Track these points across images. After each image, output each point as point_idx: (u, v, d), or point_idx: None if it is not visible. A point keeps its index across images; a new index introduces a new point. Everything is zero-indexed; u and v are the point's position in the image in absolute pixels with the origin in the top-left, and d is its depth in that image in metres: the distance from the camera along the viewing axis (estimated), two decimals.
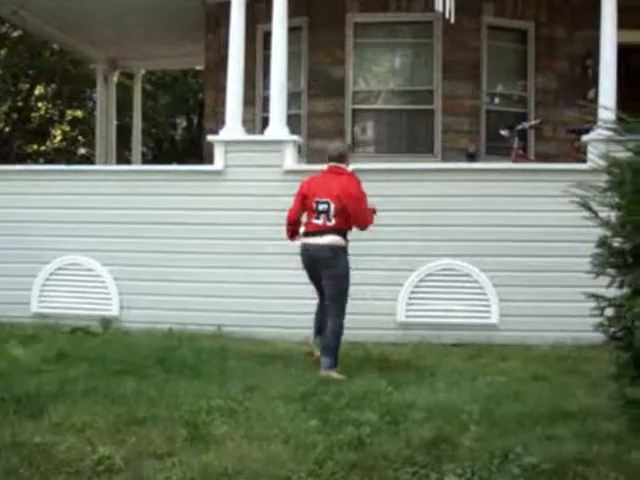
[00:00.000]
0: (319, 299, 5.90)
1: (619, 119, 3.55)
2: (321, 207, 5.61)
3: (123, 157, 15.10)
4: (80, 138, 19.44)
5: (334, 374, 5.42)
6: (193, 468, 3.72)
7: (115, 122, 13.35)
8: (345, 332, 6.44)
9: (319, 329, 5.83)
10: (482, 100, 8.82)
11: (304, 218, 5.83)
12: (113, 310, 7.30)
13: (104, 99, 12.95)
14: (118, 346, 6.28)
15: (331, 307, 5.64)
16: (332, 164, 5.79)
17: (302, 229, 5.81)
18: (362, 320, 6.29)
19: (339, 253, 5.61)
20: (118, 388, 4.92)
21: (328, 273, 5.63)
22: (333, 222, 5.59)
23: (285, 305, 6.90)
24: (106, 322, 7.17)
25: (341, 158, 5.78)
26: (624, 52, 7.13)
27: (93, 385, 4.96)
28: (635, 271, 3.15)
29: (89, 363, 5.60)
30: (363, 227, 5.74)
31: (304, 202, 5.76)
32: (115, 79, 13.27)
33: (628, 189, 3.12)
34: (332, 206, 5.56)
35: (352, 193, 5.59)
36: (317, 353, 5.79)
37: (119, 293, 7.30)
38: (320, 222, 5.61)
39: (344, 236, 5.67)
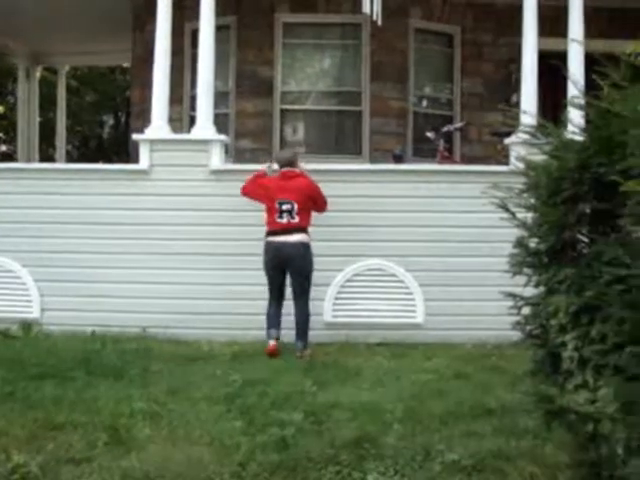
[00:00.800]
0: (274, 299, 6.26)
1: (539, 124, 3.64)
2: (285, 207, 6.20)
3: (47, 155, 14.70)
4: (1, 135, 18.83)
5: (308, 352, 6.12)
6: (113, 473, 3.65)
7: (38, 119, 12.98)
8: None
9: (273, 323, 6.23)
10: (409, 102, 8.95)
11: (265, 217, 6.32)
12: (34, 312, 7.08)
13: (26, 95, 12.58)
14: (38, 349, 6.10)
15: (300, 298, 6.25)
16: (285, 169, 6.37)
17: (265, 228, 6.28)
18: (289, 320, 6.28)
19: (307, 250, 6.25)
20: (36, 393, 4.79)
21: (298, 269, 6.23)
22: (297, 219, 6.21)
23: (210, 306, 6.84)
24: (26, 325, 6.95)
25: (291, 164, 6.41)
26: (546, 59, 7.33)
27: (10, 390, 4.81)
28: (550, 271, 3.24)
29: (6, 368, 5.41)
30: (322, 211, 6.47)
31: (259, 190, 6.38)
32: (38, 74, 12.90)
33: (543, 191, 3.21)
34: (295, 206, 6.19)
35: (312, 188, 6.34)
36: (272, 343, 6.13)
37: (40, 295, 7.09)
38: (284, 221, 6.21)
39: (307, 233, 6.29)
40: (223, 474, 3.64)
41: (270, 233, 6.25)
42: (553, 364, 3.23)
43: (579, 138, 3.31)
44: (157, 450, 3.90)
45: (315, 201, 6.34)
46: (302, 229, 6.24)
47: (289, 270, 6.25)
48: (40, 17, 10.35)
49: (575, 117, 3.51)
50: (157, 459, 3.77)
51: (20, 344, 6.37)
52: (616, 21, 8.73)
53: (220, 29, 7.78)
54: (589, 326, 2.91)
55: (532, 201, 3.35)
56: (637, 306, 2.73)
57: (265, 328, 6.25)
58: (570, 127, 3.48)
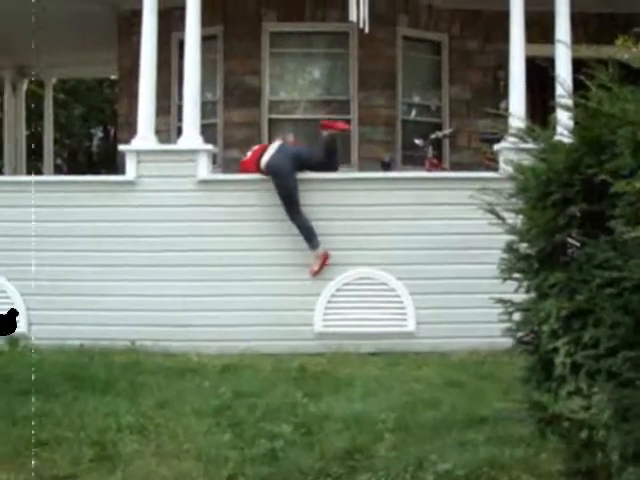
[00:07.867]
0: None
1: (528, 128, 3.60)
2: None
3: (35, 169, 14.59)
4: None
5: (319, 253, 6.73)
6: None
7: (25, 132, 12.89)
8: (261, 344, 6.45)
9: None
10: (398, 110, 8.92)
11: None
12: (21, 327, 6.92)
13: (13, 108, 12.48)
14: (25, 364, 5.97)
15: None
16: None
17: None
18: (278, 331, 6.23)
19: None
20: (22, 409, 4.69)
21: None
22: None
23: (199, 318, 6.73)
24: (13, 340, 6.84)
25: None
26: (535, 65, 7.32)
27: None
28: (540, 275, 3.19)
29: None
30: None
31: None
32: (25, 87, 12.81)
33: (532, 194, 3.16)
34: None
35: None
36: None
37: (27, 309, 6.98)
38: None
39: None
40: None
41: None
42: (545, 370, 3.17)
43: (567, 140, 3.26)
44: (144, 465, 3.82)
45: None
46: None
47: None
48: (25, 29, 10.23)
49: (563, 119, 3.46)
50: (143, 474, 3.69)
51: (6, 359, 6.26)
52: (605, 27, 8.71)
53: (207, 39, 7.74)
54: (581, 331, 2.85)
55: (521, 205, 3.30)
56: (630, 309, 2.67)
57: None
58: (559, 129, 3.44)
